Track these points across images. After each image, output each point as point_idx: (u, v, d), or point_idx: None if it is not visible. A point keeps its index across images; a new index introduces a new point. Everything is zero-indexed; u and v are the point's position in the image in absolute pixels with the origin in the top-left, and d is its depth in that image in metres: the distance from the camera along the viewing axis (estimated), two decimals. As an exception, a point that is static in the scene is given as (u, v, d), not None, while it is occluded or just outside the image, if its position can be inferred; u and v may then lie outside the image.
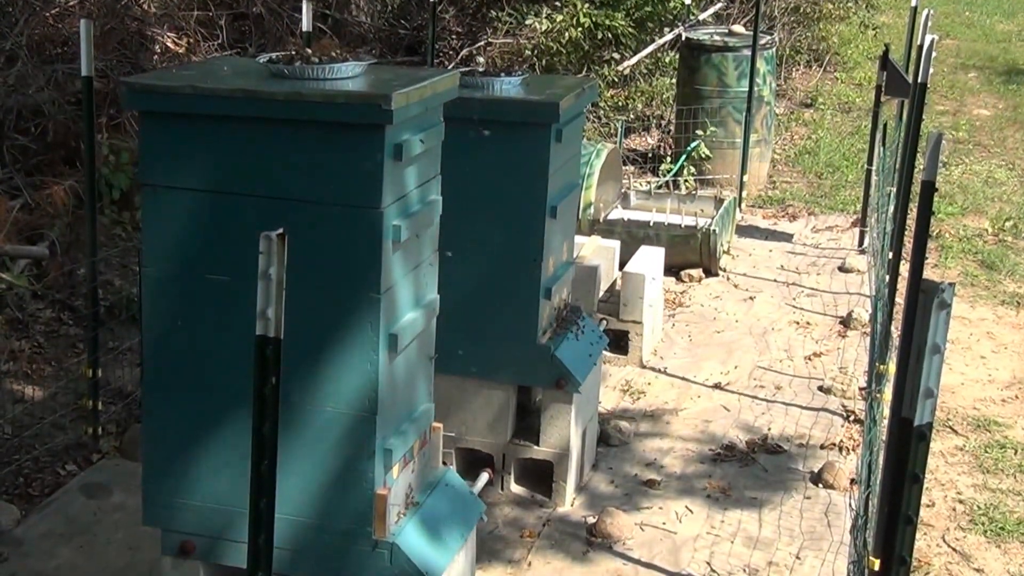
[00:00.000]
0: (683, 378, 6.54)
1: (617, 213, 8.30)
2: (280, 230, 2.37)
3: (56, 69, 7.69)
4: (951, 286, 2.36)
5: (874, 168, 8.36)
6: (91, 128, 5.13)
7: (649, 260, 6.83)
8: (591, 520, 5.03)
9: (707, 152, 9.83)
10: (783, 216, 9.61)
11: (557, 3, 11.73)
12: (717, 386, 6.44)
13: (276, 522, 2.57)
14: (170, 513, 3.79)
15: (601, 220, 7.94)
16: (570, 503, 5.20)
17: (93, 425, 5.36)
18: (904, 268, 5.00)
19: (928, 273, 7.68)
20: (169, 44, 8.68)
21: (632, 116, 11.47)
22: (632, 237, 7.70)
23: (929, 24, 6.12)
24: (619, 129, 9.77)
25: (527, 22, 11.57)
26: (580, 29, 11.30)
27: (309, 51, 3.86)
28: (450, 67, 10.16)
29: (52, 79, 7.60)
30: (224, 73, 3.91)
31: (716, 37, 9.97)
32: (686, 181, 9.72)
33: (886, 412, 4.21)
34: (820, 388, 6.40)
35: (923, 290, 2.38)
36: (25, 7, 7.76)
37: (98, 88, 6.97)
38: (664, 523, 5.07)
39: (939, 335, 2.37)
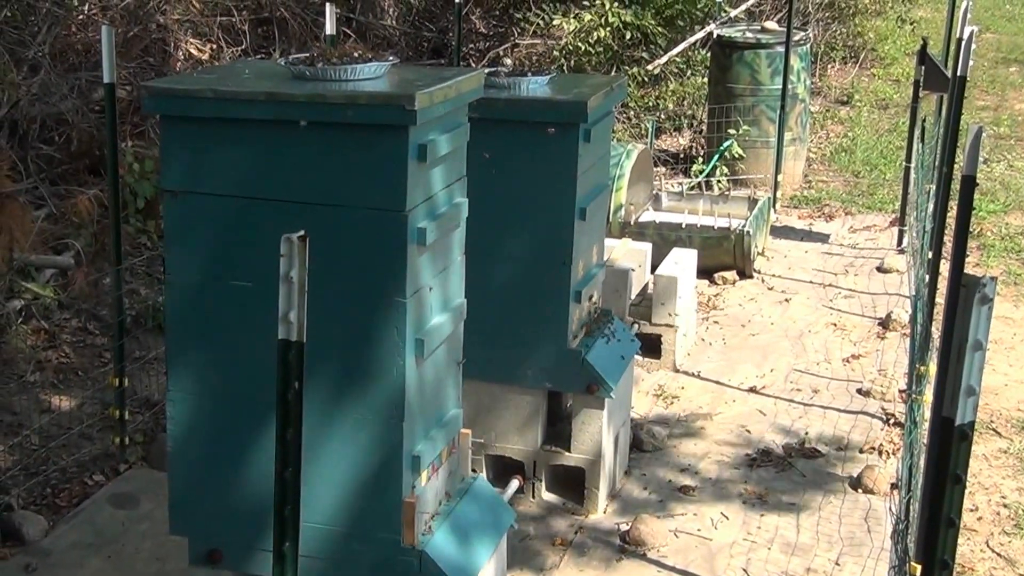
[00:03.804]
0: (717, 382, 6.44)
1: (648, 215, 8.21)
2: (301, 232, 2.33)
3: (79, 77, 7.69)
4: (993, 280, 2.29)
5: (913, 165, 8.23)
6: (114, 136, 5.10)
7: (682, 262, 6.74)
8: (624, 527, 4.95)
9: (740, 152, 9.72)
10: (819, 216, 9.48)
11: (585, 3, 11.67)
12: (752, 390, 6.34)
13: (303, 530, 2.56)
14: (197, 522, 3.77)
15: (632, 222, 7.85)
16: (602, 510, 5.12)
17: (120, 435, 5.33)
18: (944, 267, 4.90)
19: (969, 272, 7.54)
20: (192, 51, 8.67)
21: (663, 116, 11.38)
22: (664, 239, 7.61)
23: (968, 17, 5.99)
24: (650, 129, 9.68)
25: (555, 22, 11.51)
26: (609, 29, 11.23)
27: (331, 51, 3.80)
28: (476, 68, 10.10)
29: (75, 87, 7.60)
30: (245, 76, 3.89)
31: (748, 34, 9.87)
32: (719, 182, 9.62)
33: (927, 414, 4.12)
34: (859, 391, 6.28)
35: (964, 284, 2.31)
36: (48, 15, 7.76)
37: (121, 96, 6.97)
38: (699, 530, 4.98)
39: (981, 331, 2.31)
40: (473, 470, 4.24)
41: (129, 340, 5.72)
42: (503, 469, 5.15)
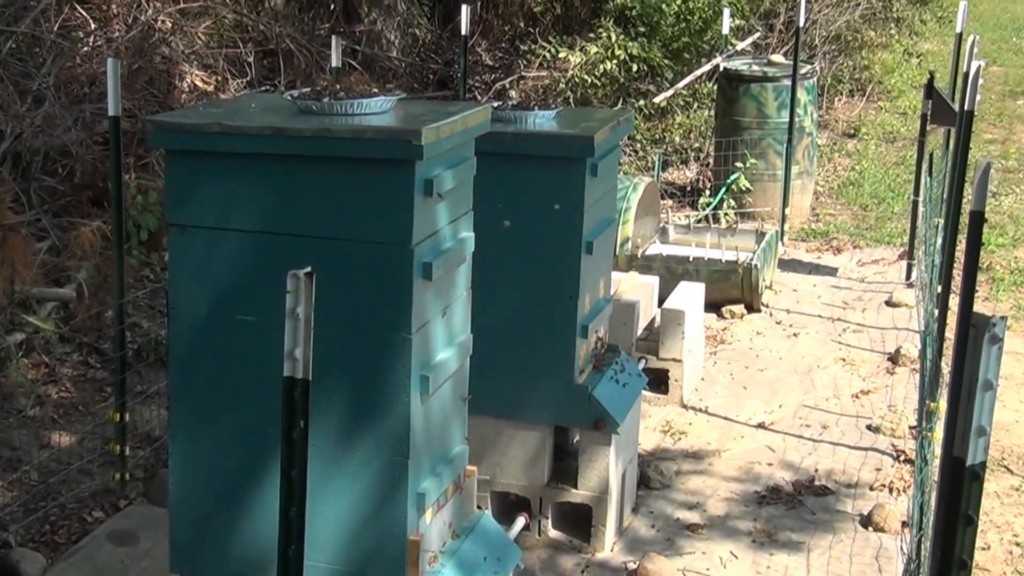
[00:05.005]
0: (725, 418, 6.37)
1: (655, 248, 8.17)
2: (308, 268, 2.33)
3: (83, 109, 7.67)
4: (1003, 320, 2.26)
5: (921, 199, 8.19)
6: (118, 168, 5.07)
7: (689, 296, 6.69)
8: (632, 566, 4.88)
9: (747, 185, 9.68)
10: (827, 249, 9.43)
11: (592, 35, 11.67)
12: (761, 426, 6.27)
13: (306, 570, 2.53)
14: (198, 561, 3.72)
15: (639, 255, 7.81)
16: (610, 548, 5.05)
17: (120, 470, 5.27)
18: (954, 302, 4.86)
19: (979, 307, 7.49)
20: (198, 82, 8.67)
21: (670, 149, 11.36)
22: (671, 273, 7.56)
23: (975, 51, 5.96)
24: (656, 162, 9.65)
25: (561, 55, 11.51)
26: (615, 61, 11.24)
27: (337, 86, 3.79)
28: (482, 101, 10.11)
29: (79, 119, 7.58)
30: (251, 110, 3.88)
31: (755, 67, 9.85)
32: (726, 215, 9.58)
33: (937, 451, 4.06)
34: (868, 427, 6.22)
35: (974, 324, 2.27)
36: (52, 47, 7.75)
37: (125, 128, 6.95)
38: (708, 569, 4.91)
39: (991, 371, 2.28)
40: (478, 507, 4.20)
41: (131, 374, 5.67)
42: (509, 506, 5.09)
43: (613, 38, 11.35)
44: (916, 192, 8.45)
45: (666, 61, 11.70)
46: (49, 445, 5.69)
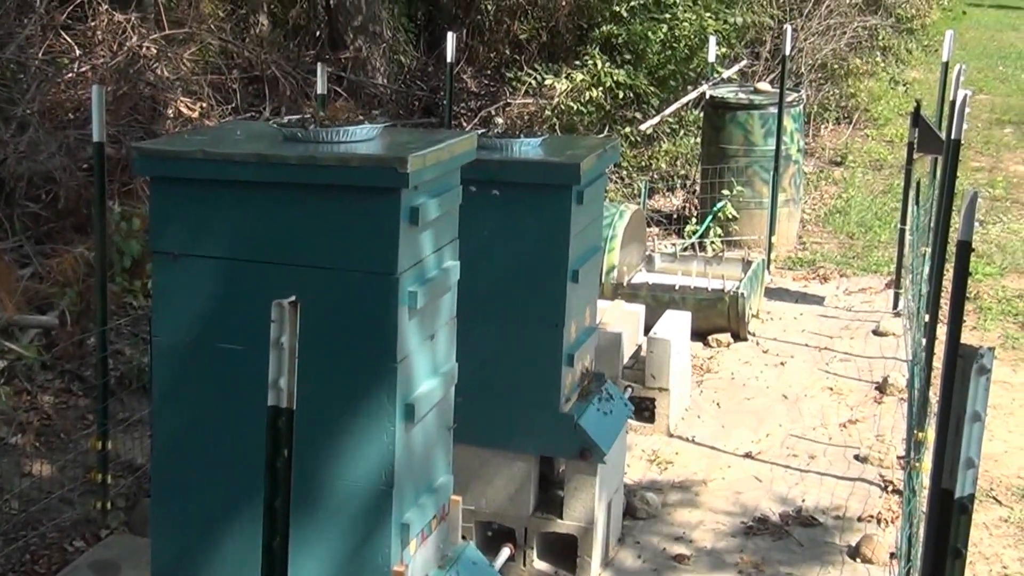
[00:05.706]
0: (712, 447, 6.34)
1: (641, 276, 8.15)
2: (292, 297, 2.32)
3: (68, 135, 7.65)
4: (991, 350, 2.25)
5: (908, 227, 8.19)
6: (102, 195, 5.03)
7: (675, 325, 6.67)
8: (619, 597, 4.84)
9: (734, 212, 9.68)
10: (814, 278, 9.43)
11: (578, 63, 11.69)
12: (748, 455, 6.24)
13: None
14: (180, 592, 3.67)
15: (625, 284, 7.79)
16: (596, 579, 5.02)
17: (102, 499, 5.21)
18: (941, 331, 4.85)
19: (967, 336, 7.48)
20: (183, 109, 8.66)
21: (656, 176, 11.37)
22: (657, 301, 7.54)
23: (962, 79, 5.97)
24: (642, 190, 9.65)
25: (547, 82, 11.53)
26: (601, 89, 11.26)
27: (323, 114, 3.78)
28: (468, 128, 10.10)
29: (64, 145, 7.55)
30: (236, 137, 3.88)
31: (741, 95, 9.86)
32: (712, 243, 9.58)
33: (926, 482, 4.04)
34: (856, 457, 6.19)
35: (962, 355, 2.26)
36: (37, 73, 7.74)
37: (110, 154, 6.91)
38: (695, 600, 4.88)
39: (979, 402, 2.27)
40: (463, 537, 4.17)
41: (113, 402, 5.63)
42: (494, 536, 5.04)
43: (599, 65, 11.37)
44: (903, 220, 8.45)
45: (652, 88, 11.72)
46: (30, 473, 5.63)
